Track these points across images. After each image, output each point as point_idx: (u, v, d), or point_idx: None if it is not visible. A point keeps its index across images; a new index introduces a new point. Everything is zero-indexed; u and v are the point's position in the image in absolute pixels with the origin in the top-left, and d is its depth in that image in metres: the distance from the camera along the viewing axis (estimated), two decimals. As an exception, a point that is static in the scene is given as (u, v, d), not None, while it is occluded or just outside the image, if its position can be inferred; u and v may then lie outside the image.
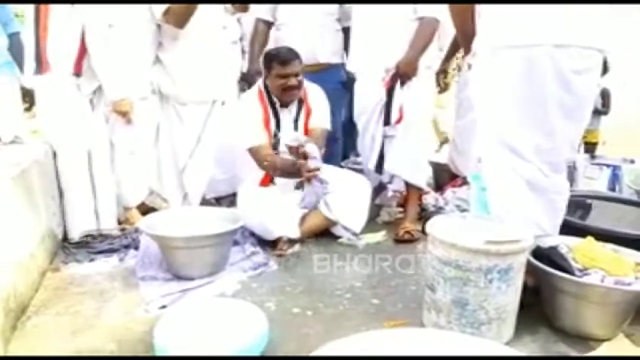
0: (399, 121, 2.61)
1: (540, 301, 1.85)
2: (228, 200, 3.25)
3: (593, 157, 3.28)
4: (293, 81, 2.59)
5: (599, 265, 1.74)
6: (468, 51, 1.97)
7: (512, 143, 1.80)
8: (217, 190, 3.20)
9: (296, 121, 2.73)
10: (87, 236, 2.61)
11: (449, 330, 1.66)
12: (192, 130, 2.88)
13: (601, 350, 1.68)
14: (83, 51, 2.47)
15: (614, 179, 2.98)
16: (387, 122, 2.63)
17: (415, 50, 2.55)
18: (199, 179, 2.93)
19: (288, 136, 2.59)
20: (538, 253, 1.81)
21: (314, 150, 2.47)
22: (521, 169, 1.81)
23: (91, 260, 2.38)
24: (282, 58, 2.58)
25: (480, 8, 1.88)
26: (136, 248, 2.45)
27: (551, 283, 1.76)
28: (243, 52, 3.43)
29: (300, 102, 2.73)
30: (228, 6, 2.90)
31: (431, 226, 1.73)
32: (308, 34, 2.95)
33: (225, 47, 3.02)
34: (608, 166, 2.93)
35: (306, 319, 1.86)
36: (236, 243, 2.48)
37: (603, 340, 1.71)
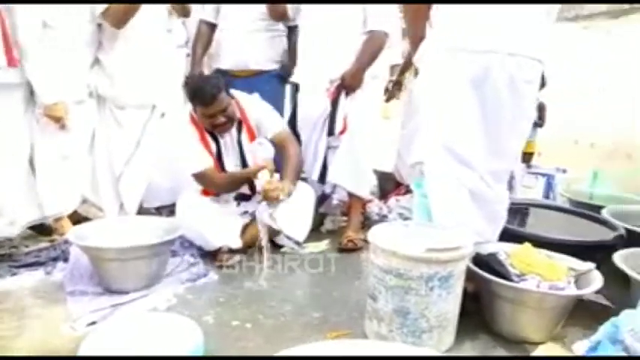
0: (342, 132, 2.60)
1: (480, 308, 1.87)
2: (168, 210, 3.13)
3: (529, 166, 3.41)
4: (220, 119, 2.42)
5: (535, 271, 1.77)
6: (415, 50, 1.96)
7: (459, 150, 1.81)
8: (162, 198, 3.07)
9: (239, 143, 2.59)
10: (11, 247, 2.43)
11: (391, 339, 1.64)
12: (131, 135, 2.76)
13: (537, 353, 1.70)
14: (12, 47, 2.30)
15: (549, 188, 3.10)
16: (330, 133, 2.62)
17: (362, 63, 2.56)
18: (136, 188, 2.81)
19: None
20: (478, 259, 1.82)
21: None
22: (465, 177, 1.82)
23: (14, 275, 2.22)
24: (202, 99, 2.37)
25: (434, 11, 1.87)
26: (65, 260, 2.30)
27: (490, 289, 1.78)
28: (188, 55, 3.33)
29: (239, 123, 2.58)
30: (170, 9, 2.81)
31: (372, 234, 1.71)
32: (241, 39, 2.90)
33: (170, 51, 2.91)
34: (543, 175, 3.05)
35: (245, 331, 1.79)
36: (175, 253, 2.39)
37: (538, 344, 1.74)
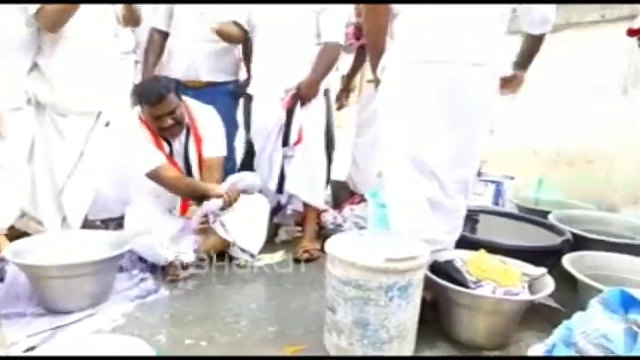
0: (297, 142, 2.57)
1: (438, 315, 1.88)
2: (115, 222, 2.99)
3: (478, 174, 3.49)
4: (168, 121, 2.38)
5: (490, 277, 1.80)
6: (375, 66, 1.94)
7: (423, 159, 1.81)
8: (109, 210, 2.92)
9: (186, 149, 2.54)
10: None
11: (351, 351, 1.62)
12: (74, 144, 2.59)
13: (495, 359, 1.73)
14: None
15: (498, 194, 3.19)
16: (285, 143, 2.59)
17: (318, 73, 2.58)
18: (81, 200, 2.64)
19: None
20: (435, 267, 1.83)
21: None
22: (425, 187, 1.82)
23: (-60, 298, 2.03)
24: (151, 99, 2.34)
25: (394, 23, 1.86)
26: (1, 280, 2.14)
27: (448, 296, 1.79)
28: (136, 62, 3.21)
29: (188, 130, 2.53)
30: (120, 17, 2.69)
31: (330, 245, 1.68)
32: (193, 50, 2.83)
33: (116, 56, 2.79)
34: (492, 182, 3.13)
35: (200, 350, 1.71)
36: (123, 269, 2.27)
37: (496, 349, 1.76)
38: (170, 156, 2.50)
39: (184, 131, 2.52)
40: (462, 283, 1.78)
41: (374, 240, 1.77)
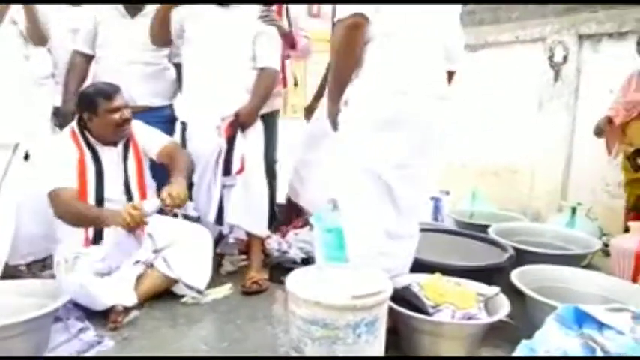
0: (240, 171, 2.50)
1: (398, 340, 1.87)
2: (40, 264, 2.73)
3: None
4: (126, 113, 2.35)
5: (448, 300, 1.83)
6: (339, 96, 1.91)
7: (385, 179, 1.83)
8: (34, 250, 2.66)
9: (125, 160, 2.43)
10: None
11: (319, 392, 1.57)
12: None
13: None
14: None
15: (437, 210, 3.29)
16: (227, 172, 2.50)
17: (257, 100, 2.54)
18: (0, 244, 2.39)
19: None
20: (394, 293, 1.82)
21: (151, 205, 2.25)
22: (383, 216, 1.83)
23: None
24: (106, 92, 2.31)
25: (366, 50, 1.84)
26: None
27: (408, 323, 1.80)
28: (57, 83, 2.98)
29: (127, 141, 2.45)
30: (25, 33, 2.47)
31: (290, 283, 1.64)
32: (125, 72, 2.68)
33: (30, 81, 2.56)
34: (431, 198, 3.21)
35: (158, 407, 1.59)
36: (57, 319, 2.06)
37: (458, 373, 1.79)
38: (99, 174, 2.35)
39: (123, 143, 2.42)
40: (421, 309, 1.80)
41: (334, 274, 1.73)
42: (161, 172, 2.70)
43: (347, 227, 1.91)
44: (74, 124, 2.39)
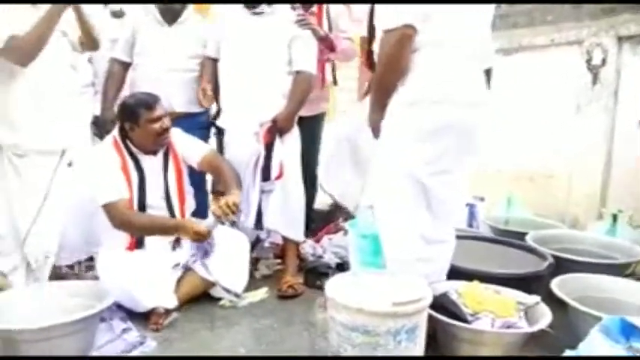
0: (279, 176, 2.53)
1: (437, 347, 1.87)
2: (84, 265, 2.82)
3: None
4: (166, 122, 2.40)
5: (487, 309, 1.81)
6: (383, 107, 1.91)
7: (415, 195, 1.83)
8: (76, 253, 2.76)
9: (165, 170, 2.49)
10: None
11: (359, 398, 1.58)
12: (36, 187, 2.43)
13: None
14: None
15: (472, 217, 3.25)
16: (266, 178, 2.53)
17: (294, 104, 2.56)
18: (47, 247, 2.47)
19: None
20: (432, 301, 1.83)
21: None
22: (420, 222, 1.83)
23: None
24: (147, 102, 2.36)
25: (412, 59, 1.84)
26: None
27: (447, 331, 1.79)
28: (96, 93, 3.07)
29: (166, 150, 2.50)
30: (76, 44, 2.56)
31: (330, 290, 1.65)
32: (163, 80, 2.74)
33: (75, 90, 2.65)
34: (465, 204, 3.18)
35: (201, 408, 1.63)
36: (102, 319, 2.13)
37: (498, 382, 1.78)
38: (141, 182, 2.41)
39: (163, 152, 2.47)
40: (460, 316, 1.79)
41: (372, 281, 1.74)
42: (198, 178, 2.77)
43: (383, 233, 1.91)
44: (116, 132, 2.46)
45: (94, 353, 1.93)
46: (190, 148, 2.57)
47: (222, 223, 2.36)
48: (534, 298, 1.88)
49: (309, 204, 3.19)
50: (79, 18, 2.43)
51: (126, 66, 2.88)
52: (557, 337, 1.91)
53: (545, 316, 1.78)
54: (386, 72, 1.84)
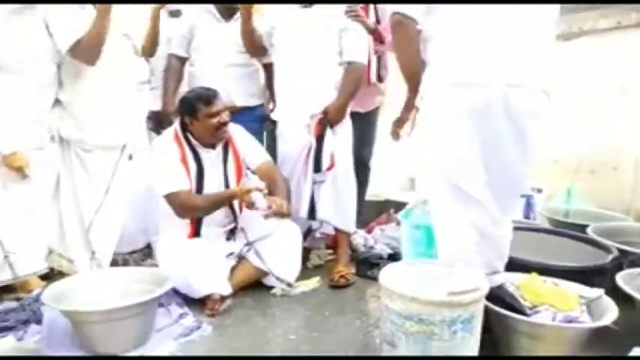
0: (330, 167, 2.54)
1: (493, 341, 1.82)
2: (141, 253, 2.94)
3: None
4: (224, 116, 2.43)
5: (547, 302, 1.75)
6: (415, 92, 1.89)
7: (464, 187, 1.75)
8: (135, 242, 2.89)
9: (224, 163, 2.53)
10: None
11: (413, 387, 1.57)
12: (100, 180, 2.57)
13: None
14: None
15: (529, 208, 3.14)
16: (317, 169, 2.55)
17: (345, 95, 2.56)
18: (109, 236, 2.61)
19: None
20: (488, 293, 1.78)
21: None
22: (473, 216, 1.77)
23: (-22, 344, 1.98)
24: (206, 97, 2.40)
25: (428, 46, 1.82)
26: (38, 322, 2.08)
27: (505, 323, 1.74)
28: (152, 89, 3.18)
29: (226, 144, 2.54)
30: (138, 47, 2.67)
31: (384, 278, 1.64)
32: (222, 74, 2.79)
33: (133, 88, 2.75)
34: (522, 196, 3.07)
35: (257, 392, 1.66)
36: (160, 304, 2.21)
37: (559, 376, 1.72)
38: (199, 173, 2.47)
39: (221, 145, 2.51)
40: (518, 309, 1.74)
41: (427, 271, 1.72)
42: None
43: (437, 224, 1.87)
44: (177, 125, 2.53)
45: (154, 336, 2.01)
46: (250, 152, 2.59)
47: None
48: (597, 292, 1.80)
49: (361, 196, 3.20)
50: (153, 27, 2.54)
51: (183, 61, 2.97)
52: (622, 334, 1.82)
53: (609, 311, 1.70)
54: (397, 58, 1.92)
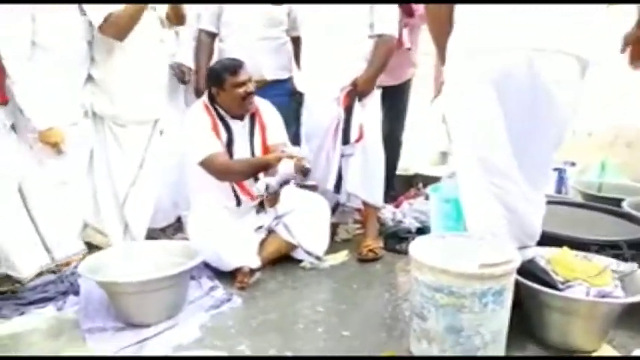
0: (358, 139, 2.52)
1: (523, 316, 1.81)
2: (172, 228, 3.00)
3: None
4: (251, 86, 2.43)
5: (579, 277, 1.72)
6: (443, 58, 1.84)
7: (492, 160, 1.70)
8: (167, 217, 2.95)
9: (251, 135, 2.54)
10: (15, 283, 2.28)
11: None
12: (133, 154, 2.60)
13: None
14: (2, 73, 2.15)
15: (561, 182, 3.08)
16: (346, 141, 2.53)
17: (375, 68, 2.52)
18: (143, 210, 2.66)
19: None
20: (519, 267, 1.76)
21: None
22: (501, 189, 1.72)
23: (22, 314, 2.05)
24: (232, 67, 2.41)
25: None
26: (76, 294, 2.16)
27: (537, 298, 1.72)
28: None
29: (253, 116, 2.54)
30: (165, 20, 2.67)
31: (414, 250, 1.63)
32: (252, 48, 2.78)
33: (164, 62, 2.76)
34: (554, 169, 3.01)
35: (287, 361, 1.70)
36: (191, 277, 2.26)
37: (590, 352, 1.69)
38: (229, 142, 2.48)
39: (249, 117, 2.52)
40: (550, 284, 1.71)
41: (458, 243, 1.70)
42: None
43: (464, 198, 1.83)
44: (205, 97, 2.54)
45: (186, 308, 2.06)
46: (273, 128, 2.59)
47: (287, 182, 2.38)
48: (631, 266, 1.76)
49: (392, 171, 3.19)
50: None
51: (213, 37, 2.96)
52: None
53: (644, 285, 1.66)
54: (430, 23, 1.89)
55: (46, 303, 2.13)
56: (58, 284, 2.25)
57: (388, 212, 2.93)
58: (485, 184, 1.75)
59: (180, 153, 2.65)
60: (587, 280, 1.70)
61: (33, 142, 2.31)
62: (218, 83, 2.42)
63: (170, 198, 2.94)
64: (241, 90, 2.40)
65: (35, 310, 2.08)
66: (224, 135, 2.47)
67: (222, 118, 2.48)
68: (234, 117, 2.50)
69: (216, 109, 2.48)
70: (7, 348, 1.82)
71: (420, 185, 3.30)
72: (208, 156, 2.38)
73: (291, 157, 2.36)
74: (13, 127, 2.29)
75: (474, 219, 1.82)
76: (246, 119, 2.52)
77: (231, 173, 2.46)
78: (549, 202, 2.55)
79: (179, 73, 2.89)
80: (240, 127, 2.51)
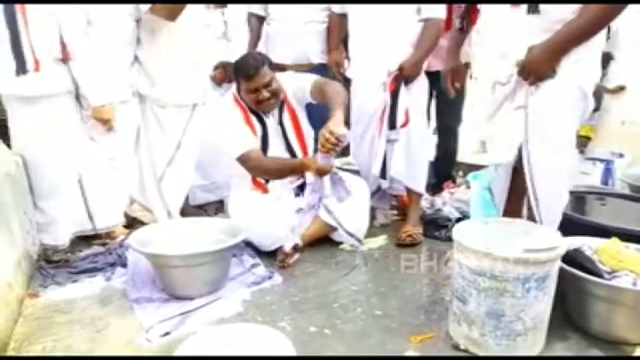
0: (404, 124, 2.50)
1: (564, 305, 1.78)
2: (214, 207, 3.07)
3: (582, 151, 3.29)
4: (264, 94, 2.40)
5: (627, 267, 1.68)
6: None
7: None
8: (195, 197, 3.02)
9: (280, 123, 2.55)
10: (67, 253, 2.39)
11: (483, 343, 1.57)
12: (172, 135, 2.67)
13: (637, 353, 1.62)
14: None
15: (607, 174, 2.99)
16: (392, 126, 2.52)
17: (422, 52, 2.49)
18: (178, 188, 2.73)
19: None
20: (564, 256, 1.73)
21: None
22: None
23: (74, 282, 2.16)
24: (246, 72, 2.37)
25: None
26: (124, 266, 2.25)
27: (581, 287, 1.69)
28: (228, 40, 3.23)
29: (282, 102, 2.54)
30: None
31: (457, 233, 1.63)
32: (299, 32, 2.80)
33: (208, 45, 2.81)
34: (601, 161, 2.93)
35: (326, 339, 1.72)
36: (233, 255, 2.32)
37: (636, 344, 1.66)
38: (264, 134, 2.51)
39: (278, 105, 2.53)
40: (596, 273, 1.68)
41: (502, 229, 1.69)
42: (318, 118, 2.80)
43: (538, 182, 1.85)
44: (234, 89, 2.55)
45: (229, 283, 2.12)
46: (299, 85, 2.54)
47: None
48: (683, 259, 1.71)
49: (449, 165, 3.15)
50: None
51: (261, 20, 2.99)
52: None
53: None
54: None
55: (95, 273, 2.24)
56: (107, 256, 2.35)
57: (425, 201, 2.90)
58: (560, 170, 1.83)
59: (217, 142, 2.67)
60: (635, 270, 1.67)
61: (86, 119, 2.41)
62: (237, 81, 2.44)
63: (204, 180, 3.03)
64: (253, 96, 2.41)
65: (86, 279, 2.18)
66: (258, 127, 2.49)
67: (253, 111, 2.50)
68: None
69: (245, 102, 2.50)
70: (64, 312, 1.92)
71: (460, 174, 3.26)
72: (244, 154, 2.42)
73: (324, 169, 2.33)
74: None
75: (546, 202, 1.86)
76: (275, 110, 2.52)
77: (266, 173, 2.50)
78: (598, 194, 2.52)
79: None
80: (269, 119, 2.53)
